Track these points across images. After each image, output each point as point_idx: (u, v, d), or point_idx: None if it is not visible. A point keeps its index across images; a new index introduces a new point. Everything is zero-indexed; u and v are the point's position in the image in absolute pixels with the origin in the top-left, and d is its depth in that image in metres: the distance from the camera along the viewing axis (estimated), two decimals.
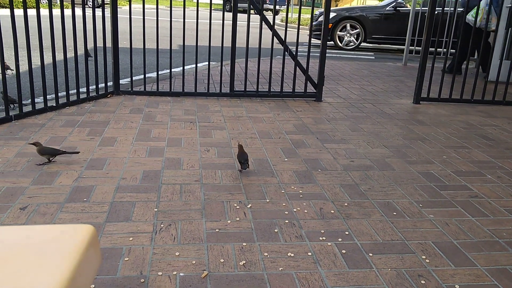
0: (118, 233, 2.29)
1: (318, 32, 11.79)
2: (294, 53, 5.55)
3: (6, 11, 3.44)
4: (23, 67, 6.01)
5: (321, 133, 4.27)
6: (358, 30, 11.97)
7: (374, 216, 2.64)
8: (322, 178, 3.17)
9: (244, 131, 4.22)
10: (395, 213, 2.68)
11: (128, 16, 5.21)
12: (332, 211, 2.66)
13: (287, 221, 2.50)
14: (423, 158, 3.72)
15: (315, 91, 5.62)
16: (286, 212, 2.61)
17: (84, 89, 4.97)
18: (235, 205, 2.68)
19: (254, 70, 6.51)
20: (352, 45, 12.17)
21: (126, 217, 2.47)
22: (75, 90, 4.78)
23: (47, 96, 4.45)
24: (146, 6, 5.39)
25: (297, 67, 5.53)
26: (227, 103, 5.27)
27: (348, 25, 12.02)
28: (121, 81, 5.69)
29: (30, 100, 4.32)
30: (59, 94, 4.84)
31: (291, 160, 3.50)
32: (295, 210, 2.65)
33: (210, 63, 5.55)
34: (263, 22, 5.32)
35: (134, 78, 5.44)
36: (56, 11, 3.68)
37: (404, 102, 5.86)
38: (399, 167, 3.48)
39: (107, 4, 22.61)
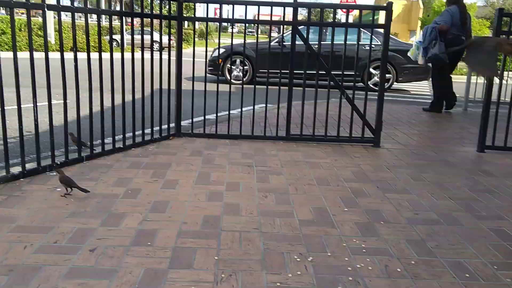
0: (181, 281, 2.33)
1: (211, 68, 11.66)
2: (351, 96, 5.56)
3: (81, 55, 3.74)
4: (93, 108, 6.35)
5: (381, 182, 4.20)
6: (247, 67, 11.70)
7: (445, 277, 2.52)
8: (385, 232, 3.09)
9: (301, 176, 4.23)
10: (467, 275, 2.55)
11: (192, 60, 5.45)
12: (399, 270, 2.58)
13: (350, 278, 2.44)
14: (494, 213, 3.55)
15: (373, 136, 5.56)
16: (349, 268, 2.56)
17: (148, 130, 5.18)
18: (296, 257, 2.66)
19: (310, 113, 6.56)
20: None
21: (188, 264, 2.51)
22: (140, 131, 4.98)
23: (115, 137, 4.67)
24: (207, 48, 5.63)
25: (354, 112, 5.52)
26: (283, 147, 5.32)
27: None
28: (182, 122, 5.89)
29: (100, 141, 4.55)
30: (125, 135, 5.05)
31: (352, 210, 3.45)
32: (358, 266, 2.59)
33: (267, 105, 5.65)
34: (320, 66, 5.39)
35: (194, 119, 5.61)
36: (127, 54, 4.01)
37: (467, 150, 5.67)
38: (467, 222, 3.34)
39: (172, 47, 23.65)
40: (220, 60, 11.11)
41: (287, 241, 2.87)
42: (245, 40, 5.70)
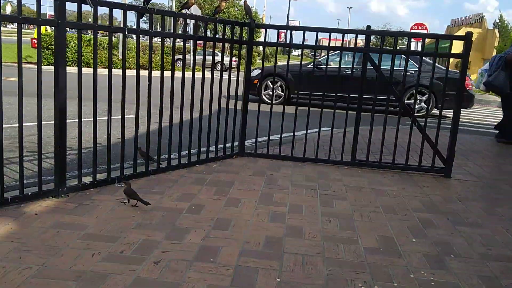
0: None
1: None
2: (423, 125, 5.35)
3: (153, 73, 3.95)
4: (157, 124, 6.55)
5: (452, 214, 3.96)
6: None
7: None
8: (456, 266, 2.89)
9: (366, 203, 4.09)
10: None
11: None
12: None
13: None
14: None
15: (443, 166, 5.30)
16: None
17: (212, 148, 5.24)
18: (360, 285, 2.55)
19: (375, 139, 6.37)
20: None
21: (250, 284, 2.47)
22: (205, 149, 5.04)
23: (180, 153, 4.77)
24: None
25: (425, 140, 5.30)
26: (348, 172, 5.19)
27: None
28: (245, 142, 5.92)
29: (165, 156, 4.66)
30: (186, 152, 5.12)
31: (420, 241, 3.27)
32: None
33: (333, 129, 5.57)
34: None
35: (257, 140, 5.63)
36: (189, 73, 4.19)
37: None
38: None
39: (233, 68, 24.19)
40: (256, 80, 10.90)
41: (351, 268, 2.75)
42: (288, 62, 5.77)
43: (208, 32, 4.91)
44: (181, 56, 14.42)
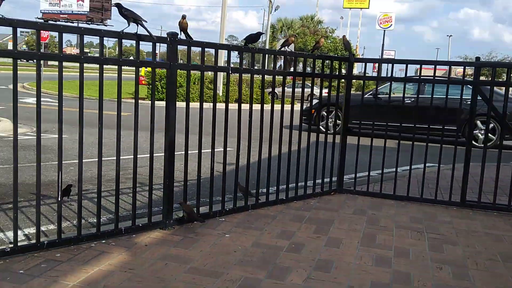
0: None
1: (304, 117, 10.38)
2: None
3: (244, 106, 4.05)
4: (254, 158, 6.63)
5: None
6: None
7: None
8: None
9: (481, 250, 3.74)
10: None
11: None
12: None
13: None
14: None
15: None
16: None
17: (309, 183, 5.14)
18: None
19: (488, 178, 5.89)
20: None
21: None
22: (302, 183, 4.98)
23: (274, 188, 4.77)
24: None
25: None
26: (457, 213, 4.82)
27: None
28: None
29: (262, 190, 4.66)
30: (283, 186, 5.07)
31: None
32: None
33: (440, 165, 5.23)
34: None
35: (357, 175, 5.43)
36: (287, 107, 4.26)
37: None
38: None
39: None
40: (313, 110, 11.08)
41: None
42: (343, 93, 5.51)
43: (301, 66, 4.94)
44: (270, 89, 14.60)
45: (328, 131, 5.43)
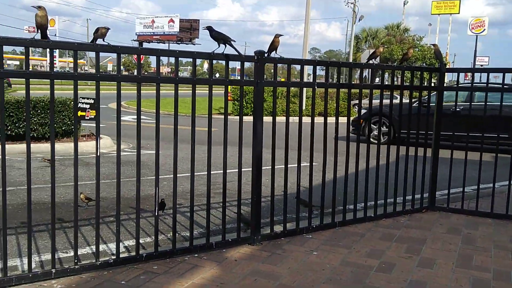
0: None
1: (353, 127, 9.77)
2: None
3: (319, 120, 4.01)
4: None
5: None
6: None
7: None
8: None
9: None
10: None
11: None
12: None
13: None
14: None
15: None
16: None
17: (398, 200, 4.96)
18: None
19: None
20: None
21: None
22: (390, 200, 4.84)
23: (361, 204, 4.66)
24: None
25: None
26: None
27: None
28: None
29: (349, 207, 4.59)
30: (370, 203, 4.94)
31: None
32: None
33: None
34: None
35: (451, 191, 5.15)
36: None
37: None
38: None
39: None
40: (361, 120, 10.87)
41: None
42: (390, 102, 5.12)
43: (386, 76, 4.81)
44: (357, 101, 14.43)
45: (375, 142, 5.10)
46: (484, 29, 41.45)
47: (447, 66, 5.24)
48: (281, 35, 3.93)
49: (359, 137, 4.57)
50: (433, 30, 45.22)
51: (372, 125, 11.35)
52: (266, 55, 3.91)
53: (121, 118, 3.37)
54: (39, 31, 3.04)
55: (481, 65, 46.18)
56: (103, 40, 3.29)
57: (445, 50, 37.65)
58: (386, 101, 4.90)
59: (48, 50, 3.29)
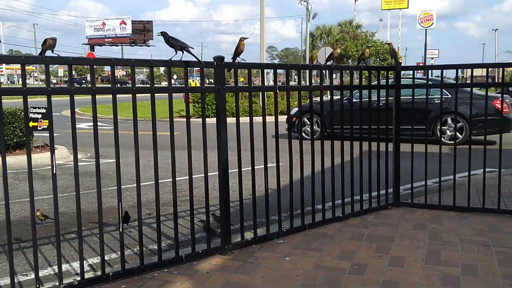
0: None
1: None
2: None
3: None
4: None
5: None
6: None
7: None
8: None
9: None
10: None
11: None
12: None
13: None
14: None
15: None
16: None
17: (365, 197, 4.99)
18: None
19: None
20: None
21: None
22: (355, 198, 4.85)
23: (329, 203, 4.67)
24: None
25: None
26: None
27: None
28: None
29: (317, 207, 4.58)
30: (337, 201, 4.94)
31: None
32: None
33: (501, 170, 4.97)
34: None
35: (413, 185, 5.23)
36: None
37: None
38: None
39: None
40: (294, 118, 11.63)
41: None
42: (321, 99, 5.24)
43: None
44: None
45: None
46: (433, 23, 42.93)
47: (400, 62, 5.35)
48: (246, 38, 3.87)
49: (290, 134, 4.43)
50: (384, 25, 46.37)
51: (305, 120, 12.10)
52: (232, 59, 3.86)
53: (76, 125, 3.21)
54: None
55: (432, 58, 47.83)
56: (52, 51, 3.13)
57: (397, 45, 38.69)
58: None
59: None
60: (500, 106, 9.50)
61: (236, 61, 3.91)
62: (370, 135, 4.93)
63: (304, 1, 40.11)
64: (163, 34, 3.58)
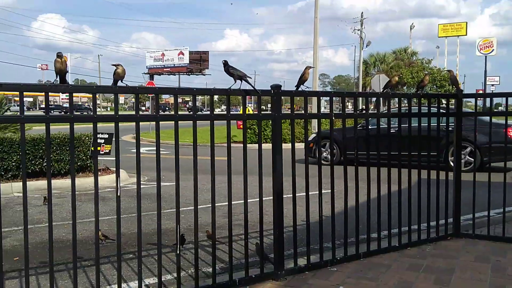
0: None
1: None
2: None
3: None
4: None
5: None
6: None
7: None
8: None
9: None
10: None
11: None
12: None
13: None
14: None
15: None
16: None
17: (423, 227, 4.83)
18: None
19: None
20: None
21: None
22: (412, 227, 4.70)
23: (384, 232, 4.55)
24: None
25: None
26: None
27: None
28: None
29: (373, 235, 4.47)
30: (394, 230, 4.79)
31: None
32: None
33: None
34: None
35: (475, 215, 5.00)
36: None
37: None
38: None
39: None
40: (311, 144, 12.13)
41: None
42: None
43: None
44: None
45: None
46: (493, 50, 41.46)
47: (462, 89, 5.16)
48: (312, 67, 3.98)
49: (345, 161, 4.32)
50: (441, 52, 45.33)
51: (322, 148, 12.24)
52: (295, 87, 4.03)
53: (133, 150, 3.39)
54: (58, 76, 3.09)
55: (492, 85, 46.04)
56: (121, 81, 3.32)
57: (455, 72, 37.62)
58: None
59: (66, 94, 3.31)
60: None
61: (300, 88, 4.04)
62: (429, 163, 4.79)
63: (358, 29, 40.13)
64: (225, 63, 3.71)
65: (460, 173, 5.06)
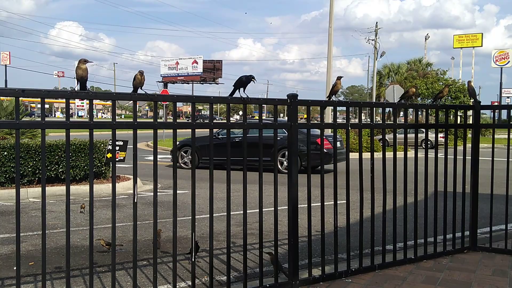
0: None
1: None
2: None
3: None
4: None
5: None
6: None
7: None
8: None
9: None
10: None
11: (491, 159, 4.94)
12: None
13: None
14: None
15: None
16: None
17: (439, 239, 4.76)
18: None
19: None
20: None
21: None
22: (429, 239, 4.65)
23: (399, 244, 4.49)
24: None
25: None
26: None
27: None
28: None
29: (388, 247, 4.43)
30: (408, 242, 4.73)
31: None
32: None
33: None
34: None
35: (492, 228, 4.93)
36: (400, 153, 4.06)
37: None
38: None
39: (441, 145, 22.66)
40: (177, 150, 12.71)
41: None
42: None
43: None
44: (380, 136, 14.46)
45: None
46: (509, 61, 41.05)
47: (480, 101, 5.11)
48: (342, 77, 4.04)
49: (361, 172, 4.30)
50: (456, 64, 45.00)
51: (182, 153, 12.23)
52: (327, 97, 4.04)
53: (147, 158, 3.41)
54: (79, 83, 3.13)
55: (508, 97, 45.56)
56: (141, 88, 3.35)
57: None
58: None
59: (86, 100, 3.35)
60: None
61: (332, 99, 4.06)
62: (446, 175, 4.75)
63: (372, 40, 40.07)
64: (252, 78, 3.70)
65: (477, 187, 4.99)
